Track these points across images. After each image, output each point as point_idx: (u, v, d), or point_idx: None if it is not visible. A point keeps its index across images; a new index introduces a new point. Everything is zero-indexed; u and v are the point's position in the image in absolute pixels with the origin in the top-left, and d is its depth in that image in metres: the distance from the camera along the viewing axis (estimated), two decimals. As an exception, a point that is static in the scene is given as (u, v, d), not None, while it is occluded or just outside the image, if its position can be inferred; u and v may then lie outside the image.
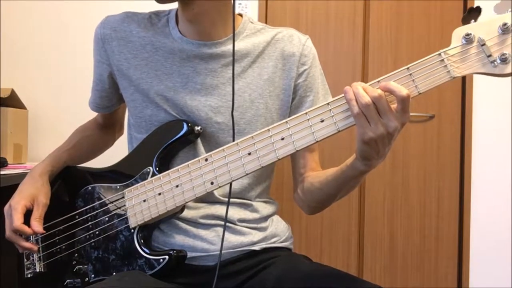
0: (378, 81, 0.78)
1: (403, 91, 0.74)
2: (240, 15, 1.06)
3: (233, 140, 0.94)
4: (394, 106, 0.76)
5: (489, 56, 0.73)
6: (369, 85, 0.78)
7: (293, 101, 1.04)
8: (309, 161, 1.05)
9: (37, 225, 0.98)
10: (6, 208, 1.00)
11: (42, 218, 1.01)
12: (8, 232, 0.99)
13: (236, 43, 1.00)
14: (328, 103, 0.80)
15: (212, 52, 0.99)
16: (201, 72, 0.99)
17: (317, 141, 0.81)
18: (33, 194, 1.01)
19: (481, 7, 0.75)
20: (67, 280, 1.00)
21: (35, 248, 1.01)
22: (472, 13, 0.75)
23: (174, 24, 1.01)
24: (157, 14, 1.05)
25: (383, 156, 0.81)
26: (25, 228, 0.97)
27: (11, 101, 1.85)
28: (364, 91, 0.76)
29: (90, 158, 1.20)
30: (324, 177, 0.96)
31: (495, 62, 0.73)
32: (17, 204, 0.99)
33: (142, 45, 1.01)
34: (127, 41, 1.01)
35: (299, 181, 1.06)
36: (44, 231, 1.00)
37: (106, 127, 1.22)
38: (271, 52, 1.03)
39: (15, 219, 0.97)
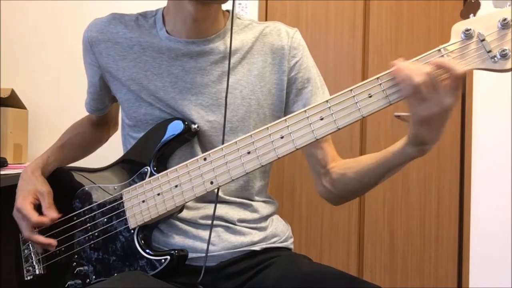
0: (377, 78, 0.77)
1: (458, 68, 0.73)
2: (228, 11, 1.05)
3: (223, 138, 0.94)
4: (445, 82, 0.74)
5: (489, 51, 0.72)
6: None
7: (290, 96, 1.03)
8: (328, 151, 1.03)
9: (50, 212, 0.99)
10: (14, 213, 1.01)
11: (52, 206, 1.01)
12: (27, 232, 1.00)
13: (224, 40, 1.00)
14: (327, 101, 0.80)
15: (200, 50, 0.98)
16: (190, 70, 0.98)
17: (317, 139, 0.80)
18: (32, 189, 1.02)
19: (479, 1, 0.74)
20: (68, 282, 1.00)
21: (55, 243, 1.01)
22: (471, 7, 0.75)
23: (161, 24, 1.01)
24: (144, 15, 1.04)
25: (437, 139, 0.78)
26: (44, 219, 0.99)
27: (11, 101, 1.85)
28: (415, 68, 0.74)
29: (82, 155, 1.21)
30: (361, 166, 0.94)
31: (495, 58, 0.72)
32: (24, 204, 1.00)
33: (130, 46, 1.01)
34: (114, 42, 1.01)
35: (322, 174, 1.03)
36: (60, 215, 1.01)
37: (100, 124, 1.22)
38: (259, 48, 1.02)
39: (30, 215, 0.98)
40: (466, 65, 0.74)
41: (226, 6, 1.01)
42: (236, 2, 0.96)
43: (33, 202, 1.01)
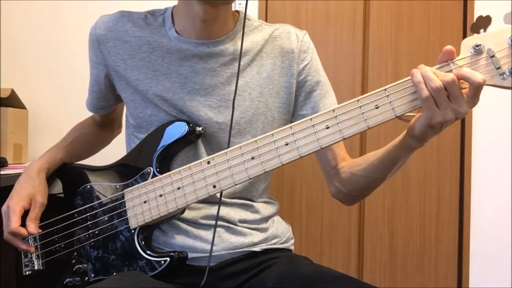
0: (385, 89, 0.77)
1: (478, 77, 0.73)
2: (237, 12, 1.05)
3: (229, 140, 0.94)
4: (464, 91, 0.75)
5: (498, 68, 0.73)
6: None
7: (299, 99, 1.03)
8: (337, 151, 1.03)
9: (32, 226, 0.98)
10: (4, 208, 1.00)
11: (38, 219, 1.00)
12: (6, 234, 0.99)
13: (234, 41, 1.00)
14: (333, 110, 0.80)
15: (210, 51, 0.98)
16: (199, 71, 0.98)
17: (322, 148, 0.80)
18: (30, 193, 1.01)
19: (491, 16, 0.74)
20: (67, 279, 1.00)
21: (32, 249, 1.01)
22: (482, 22, 0.75)
23: (170, 24, 1.00)
24: (152, 13, 1.04)
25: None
26: (22, 230, 0.98)
27: (11, 101, 1.85)
28: (434, 75, 0.74)
29: (87, 155, 1.20)
30: (367, 163, 0.94)
31: (504, 75, 0.72)
32: (15, 206, 0.99)
33: (139, 45, 1.00)
34: (123, 41, 1.00)
35: (332, 174, 1.04)
36: (41, 230, 1.00)
37: (104, 125, 1.21)
38: (269, 50, 1.02)
39: (13, 221, 0.97)
40: None
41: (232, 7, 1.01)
42: (237, 2, 0.96)
43: (25, 207, 1.00)
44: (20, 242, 1.00)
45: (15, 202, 0.99)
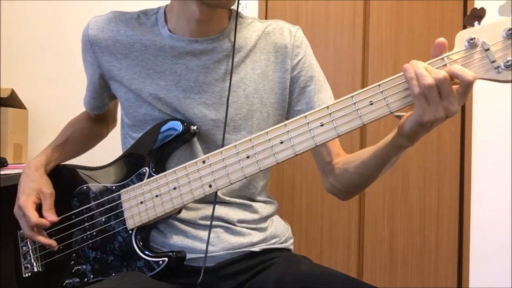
0: (379, 85, 0.77)
1: (469, 74, 0.71)
2: (230, 9, 1.05)
3: (223, 137, 0.94)
4: (455, 87, 0.74)
5: (493, 61, 0.71)
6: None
7: (293, 95, 1.03)
8: (332, 147, 1.03)
9: (50, 215, 0.99)
10: (15, 210, 1.00)
11: (52, 207, 1.00)
12: (27, 231, 0.99)
13: (227, 39, 1.00)
14: (328, 107, 0.79)
15: (204, 48, 0.98)
16: (193, 69, 0.98)
17: (317, 145, 0.80)
18: (36, 188, 1.01)
19: (485, 8, 0.73)
20: (66, 281, 1.00)
21: (55, 243, 1.00)
22: (476, 15, 0.74)
23: (163, 22, 1.00)
24: (145, 13, 1.03)
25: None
26: (43, 220, 0.98)
27: (11, 101, 1.85)
28: (426, 71, 0.73)
29: (83, 151, 1.20)
30: (360, 160, 0.94)
31: (499, 68, 0.71)
32: (25, 203, 0.98)
33: (131, 44, 0.99)
34: (115, 41, 1.00)
35: (327, 170, 1.04)
36: (59, 218, 1.00)
37: (98, 120, 1.21)
38: (262, 46, 1.02)
39: (31, 216, 0.97)
40: None
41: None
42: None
43: (35, 202, 1.00)
44: (43, 237, 1.00)
45: (24, 200, 0.99)
